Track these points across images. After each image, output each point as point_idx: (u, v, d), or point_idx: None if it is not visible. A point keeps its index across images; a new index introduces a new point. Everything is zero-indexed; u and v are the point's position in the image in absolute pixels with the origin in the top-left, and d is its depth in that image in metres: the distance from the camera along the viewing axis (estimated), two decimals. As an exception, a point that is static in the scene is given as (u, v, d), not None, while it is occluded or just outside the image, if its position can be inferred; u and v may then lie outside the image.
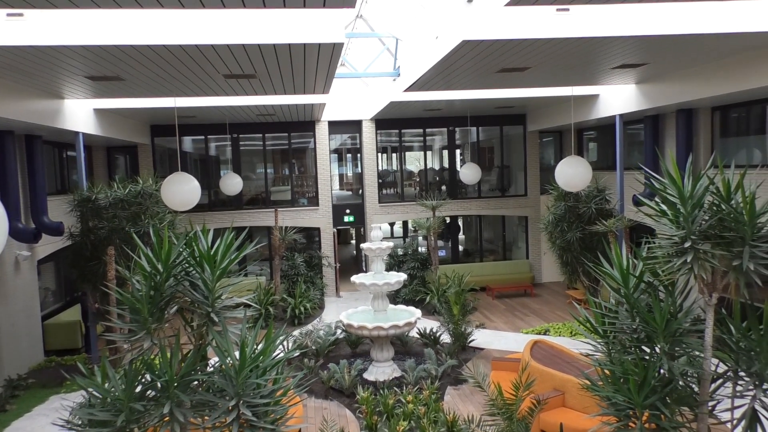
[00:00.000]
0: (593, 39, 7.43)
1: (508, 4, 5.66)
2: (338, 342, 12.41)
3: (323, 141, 18.51)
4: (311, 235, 19.11)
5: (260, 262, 19.15)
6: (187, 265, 4.86)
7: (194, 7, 5.36)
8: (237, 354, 4.63)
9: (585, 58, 8.91)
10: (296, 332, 12.65)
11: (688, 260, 4.96)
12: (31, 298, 12.45)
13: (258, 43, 6.99)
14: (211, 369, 4.93)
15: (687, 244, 4.99)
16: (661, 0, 6.01)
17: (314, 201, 18.63)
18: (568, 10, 7.01)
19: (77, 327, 13.23)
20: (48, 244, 12.86)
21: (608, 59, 9.18)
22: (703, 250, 5.00)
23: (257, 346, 4.83)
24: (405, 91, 11.85)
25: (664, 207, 5.32)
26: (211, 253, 4.84)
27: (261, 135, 18.44)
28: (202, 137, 18.37)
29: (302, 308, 15.05)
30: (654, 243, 5.33)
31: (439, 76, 9.96)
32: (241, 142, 18.44)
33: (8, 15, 6.36)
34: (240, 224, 18.15)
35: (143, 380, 4.64)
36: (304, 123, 18.31)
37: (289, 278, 16.86)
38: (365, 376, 10.68)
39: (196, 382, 4.82)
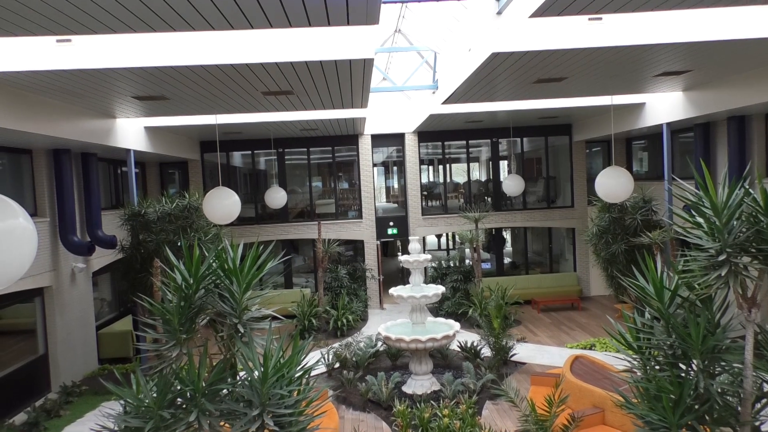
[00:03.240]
0: (627, 47, 7.27)
1: (532, 16, 5.63)
2: (379, 354, 12.44)
3: (366, 154, 18.69)
4: (357, 247, 19.27)
5: (306, 274, 19.46)
6: (215, 277, 5.03)
7: (224, 29, 5.57)
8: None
9: (623, 66, 8.71)
10: (336, 344, 12.75)
11: (723, 273, 4.78)
12: (86, 309, 13.05)
13: (291, 61, 7.17)
14: (241, 379, 5.07)
15: (722, 257, 4.80)
16: (698, 6, 5.84)
17: (358, 214, 18.81)
18: (600, 19, 6.90)
19: (129, 336, 13.75)
20: (103, 257, 13.48)
21: (647, 67, 8.94)
22: (740, 264, 4.80)
23: (282, 356, 4.92)
24: (443, 103, 11.87)
25: (699, 219, 5.14)
26: (239, 266, 5.00)
27: (306, 149, 18.80)
28: (249, 152, 18.88)
29: (345, 320, 15.16)
30: (690, 256, 5.15)
31: (474, 88, 9.94)
32: (286, 157, 18.85)
33: (57, 41, 6.76)
34: (285, 237, 18.51)
35: (174, 389, 4.81)
36: (347, 137, 18.56)
37: (332, 290, 17.04)
38: (404, 389, 10.66)
39: (224, 392, 4.96)
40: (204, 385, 4.70)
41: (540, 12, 5.57)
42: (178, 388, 4.80)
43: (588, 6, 5.57)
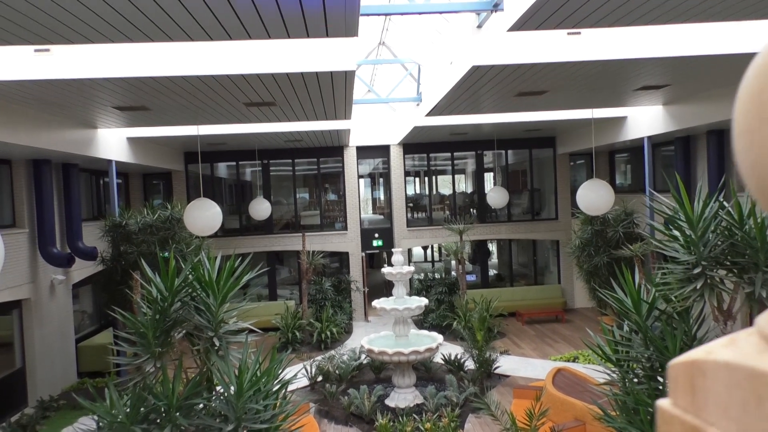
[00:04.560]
0: (606, 62, 7.36)
1: (510, 30, 5.68)
2: (362, 367, 12.36)
3: (351, 166, 18.69)
4: (343, 259, 19.21)
5: (291, 285, 19.34)
6: (191, 290, 4.97)
7: (202, 40, 5.56)
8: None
9: (603, 80, 8.81)
10: (319, 357, 12.66)
11: (699, 286, 4.80)
12: (66, 321, 12.85)
13: (272, 73, 7.17)
14: (216, 394, 4.99)
15: (697, 270, 4.83)
16: (672, 22, 5.92)
17: (343, 225, 18.76)
18: (579, 33, 6.97)
19: (109, 349, 13.54)
20: (83, 269, 13.30)
21: (627, 81, 9.05)
22: (715, 277, 4.84)
23: (259, 369, 4.86)
24: (426, 115, 11.92)
25: (675, 232, 5.18)
26: (215, 278, 4.94)
27: (291, 161, 18.76)
28: (234, 163, 18.80)
29: (329, 333, 15.06)
30: (668, 269, 5.18)
31: (457, 101, 10.00)
32: (271, 168, 18.79)
33: (36, 50, 6.71)
34: (270, 249, 18.41)
35: (148, 404, 4.73)
36: (332, 148, 18.55)
37: (317, 302, 16.94)
38: (386, 402, 10.59)
39: (200, 406, 4.89)
40: (178, 399, 4.64)
41: (518, 26, 5.62)
42: (153, 402, 4.73)
43: (565, 21, 5.63)
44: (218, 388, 5.02)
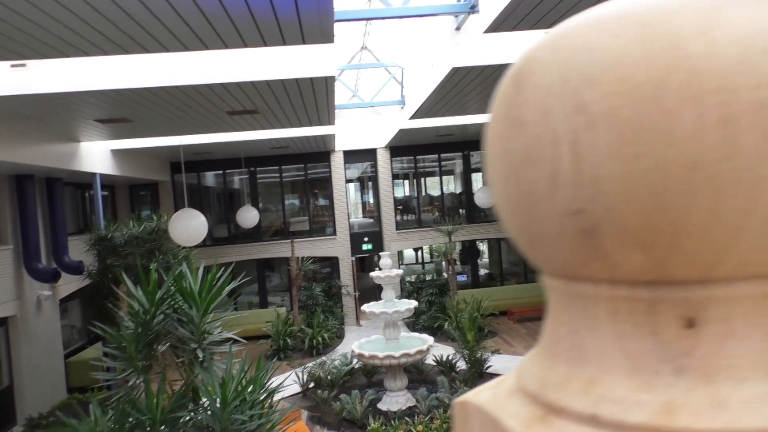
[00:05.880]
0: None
1: (486, 31, 5.70)
2: (354, 372, 12.33)
3: (339, 171, 18.68)
4: (333, 264, 19.17)
5: (281, 292, 19.27)
6: (173, 302, 4.94)
7: (178, 50, 5.54)
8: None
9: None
10: (311, 363, 12.62)
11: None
12: (54, 337, 12.73)
13: (252, 81, 7.15)
14: (201, 406, 4.96)
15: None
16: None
17: (332, 230, 18.74)
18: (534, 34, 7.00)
19: (98, 364, 13.44)
20: (70, 283, 13.18)
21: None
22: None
23: (244, 379, 4.83)
24: (410, 118, 11.94)
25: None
26: (198, 289, 4.91)
27: (277, 167, 18.72)
28: (221, 172, 18.74)
29: (320, 338, 15.01)
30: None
31: (440, 102, 10.02)
32: (258, 175, 18.74)
33: (12, 66, 6.66)
34: (260, 256, 18.35)
35: (132, 419, 4.69)
36: (318, 154, 18.52)
37: (307, 308, 16.89)
38: (379, 406, 10.57)
39: (187, 418, 4.85)
40: (163, 413, 4.60)
41: (494, 27, 5.64)
42: (137, 417, 4.69)
43: (540, 21, 5.66)
44: (204, 400, 4.99)
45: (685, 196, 0.35)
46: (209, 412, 4.64)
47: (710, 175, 0.34)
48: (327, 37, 5.35)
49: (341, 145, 18.11)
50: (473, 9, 6.31)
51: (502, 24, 5.59)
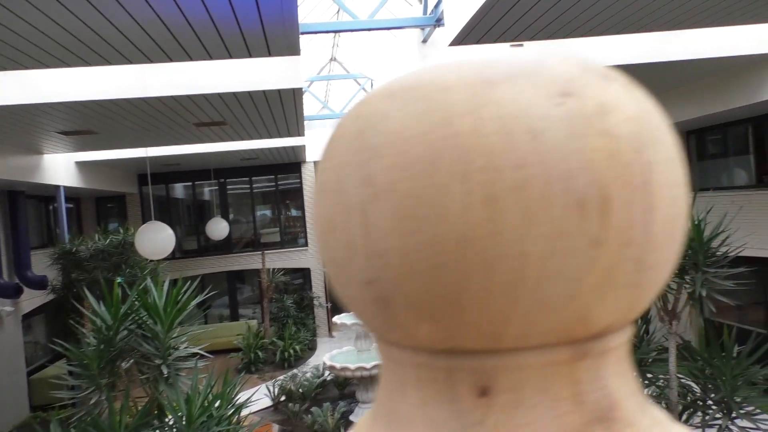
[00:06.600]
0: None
1: (451, 44, 5.78)
2: (326, 384, 12.24)
3: (310, 181, 18.62)
4: (306, 275, 19.05)
5: (253, 305, 19.06)
6: (137, 317, 4.86)
7: (141, 62, 5.48)
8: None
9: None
10: (282, 376, 12.50)
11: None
12: (16, 354, 12.37)
13: (219, 92, 7.10)
14: (167, 423, 4.87)
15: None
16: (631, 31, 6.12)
17: (304, 242, 18.65)
18: (522, 45, 7.14)
19: (62, 381, 13.09)
20: (34, 298, 12.84)
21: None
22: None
23: (210, 394, 4.76)
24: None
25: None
26: (163, 304, 4.84)
27: (248, 179, 18.58)
28: (190, 183, 18.51)
29: (292, 351, 14.88)
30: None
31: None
32: (228, 187, 18.57)
33: (-30, 77, 6.49)
34: (230, 268, 18.14)
35: (94, 438, 4.57)
36: (289, 165, 18.45)
37: (279, 320, 16.74)
38: (351, 418, 10.50)
39: (151, 437, 4.75)
40: (126, 431, 4.50)
41: (459, 40, 5.72)
42: (100, 436, 4.58)
43: (504, 34, 5.76)
44: (169, 417, 4.91)
45: (458, 271, 0.35)
46: (174, 430, 4.56)
47: (478, 251, 0.35)
48: (293, 49, 5.36)
49: (312, 155, 18.08)
50: (439, 22, 6.39)
51: (466, 37, 5.67)
